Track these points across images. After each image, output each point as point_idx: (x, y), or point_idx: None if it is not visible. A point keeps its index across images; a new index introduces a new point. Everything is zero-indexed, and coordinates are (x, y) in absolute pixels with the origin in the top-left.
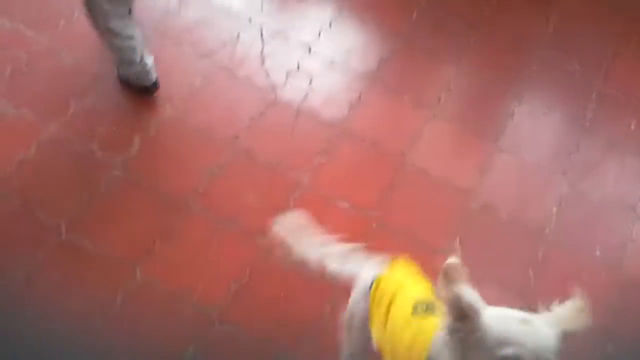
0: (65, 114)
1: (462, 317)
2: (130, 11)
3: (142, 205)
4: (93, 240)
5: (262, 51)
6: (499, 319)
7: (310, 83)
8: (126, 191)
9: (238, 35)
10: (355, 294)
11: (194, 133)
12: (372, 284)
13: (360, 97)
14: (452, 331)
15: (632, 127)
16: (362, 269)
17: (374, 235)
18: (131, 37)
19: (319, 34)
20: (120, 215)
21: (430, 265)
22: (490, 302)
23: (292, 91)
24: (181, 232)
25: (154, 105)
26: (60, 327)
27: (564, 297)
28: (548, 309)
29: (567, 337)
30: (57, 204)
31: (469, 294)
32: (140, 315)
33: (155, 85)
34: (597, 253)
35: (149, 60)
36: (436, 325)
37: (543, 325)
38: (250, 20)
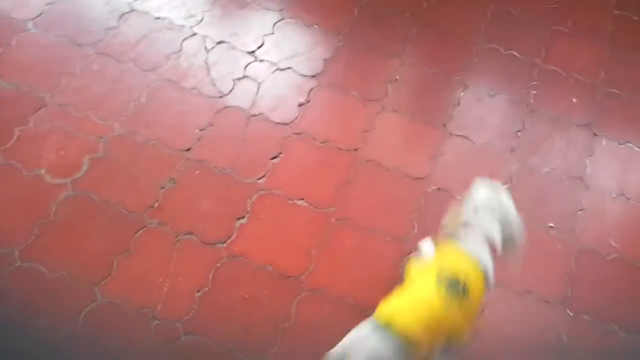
0: (10, 142)
1: None
2: None
3: (97, 225)
4: (48, 265)
5: (206, 61)
6: None
7: (257, 88)
8: (78, 212)
9: (181, 48)
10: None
11: (144, 148)
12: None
13: (309, 97)
14: None
15: (574, 100)
16: None
17: (334, 230)
18: None
19: (263, 40)
20: (75, 237)
21: (391, 253)
22: None
23: (240, 98)
24: (139, 249)
25: (101, 125)
26: (27, 345)
27: None
28: None
29: None
30: (8, 232)
31: None
32: (104, 334)
33: None
34: (551, 224)
35: None
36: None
37: None
38: (192, 31)
